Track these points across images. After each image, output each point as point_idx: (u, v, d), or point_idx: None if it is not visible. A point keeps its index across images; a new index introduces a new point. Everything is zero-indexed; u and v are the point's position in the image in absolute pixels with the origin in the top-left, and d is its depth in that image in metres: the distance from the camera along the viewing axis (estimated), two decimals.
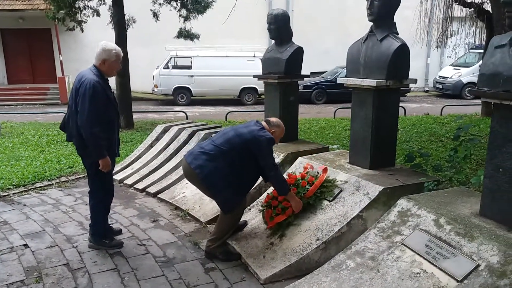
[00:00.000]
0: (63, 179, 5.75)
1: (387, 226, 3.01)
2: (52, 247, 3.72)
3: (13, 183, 5.40)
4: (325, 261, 3.09)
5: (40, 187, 5.39)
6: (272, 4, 16.64)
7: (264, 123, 3.53)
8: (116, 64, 3.49)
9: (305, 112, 12.88)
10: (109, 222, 4.00)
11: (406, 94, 16.76)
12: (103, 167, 3.43)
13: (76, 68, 16.16)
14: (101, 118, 3.35)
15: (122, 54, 3.55)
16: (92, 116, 3.28)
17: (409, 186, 3.50)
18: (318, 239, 3.24)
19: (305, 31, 17.39)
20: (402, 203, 3.09)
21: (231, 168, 3.29)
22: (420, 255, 2.65)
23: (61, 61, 15.83)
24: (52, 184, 5.54)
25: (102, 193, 3.66)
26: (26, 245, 3.77)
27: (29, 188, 5.38)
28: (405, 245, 2.78)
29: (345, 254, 2.97)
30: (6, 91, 16.00)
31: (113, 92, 3.68)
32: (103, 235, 3.71)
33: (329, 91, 15.38)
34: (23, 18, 16.14)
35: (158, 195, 5.03)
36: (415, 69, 17.02)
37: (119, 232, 4.01)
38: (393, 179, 3.60)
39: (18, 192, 5.18)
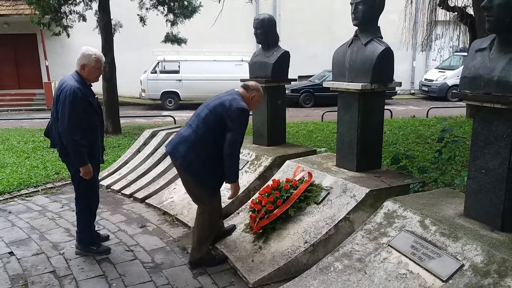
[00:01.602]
0: (49, 185, 5.69)
1: (374, 228, 3.05)
2: (38, 254, 3.67)
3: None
4: (313, 263, 3.12)
5: (26, 193, 5.32)
6: (259, 9, 16.72)
7: (241, 89, 3.37)
8: (96, 69, 3.46)
9: (293, 115, 12.94)
10: (96, 228, 3.97)
11: (392, 97, 16.98)
12: (84, 174, 3.40)
13: (63, 73, 15.91)
14: (82, 125, 3.32)
15: (103, 59, 3.52)
16: (72, 123, 3.26)
17: (395, 188, 3.55)
18: (306, 242, 3.26)
19: (292, 35, 17.52)
20: (388, 205, 3.13)
21: (210, 151, 3.16)
22: (406, 256, 2.69)
23: (47, 67, 15.67)
24: (38, 191, 5.47)
25: (88, 200, 3.62)
26: (11, 253, 3.71)
27: (15, 195, 5.30)
28: (391, 247, 2.82)
29: (332, 256, 3.00)
30: None
31: (97, 97, 3.64)
32: (90, 242, 3.68)
33: (317, 95, 15.51)
34: (8, 23, 15.94)
35: (146, 200, 5.00)
36: (401, 72, 17.28)
37: (107, 238, 3.98)
38: (379, 181, 3.64)
39: (3, 200, 5.11)
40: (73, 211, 4.69)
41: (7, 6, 15.07)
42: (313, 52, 17.93)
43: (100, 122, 3.61)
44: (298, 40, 17.68)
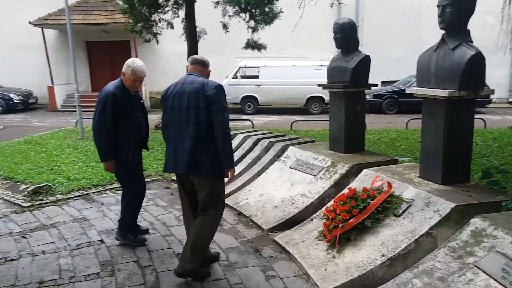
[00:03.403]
0: None
1: (459, 245, 2.83)
2: (124, 244, 3.97)
3: (93, 183, 5.87)
4: (389, 278, 2.98)
5: (116, 187, 5.77)
6: (341, 13, 16.44)
7: (197, 67, 3.25)
8: (131, 80, 3.74)
9: (375, 122, 12.51)
10: (178, 224, 4.20)
11: (486, 106, 15.56)
12: (106, 169, 3.81)
13: (153, 78, 17.09)
14: (109, 126, 3.64)
15: (140, 73, 3.74)
16: (99, 123, 3.64)
17: (485, 204, 3.26)
18: (383, 255, 3.13)
19: (376, 39, 16.97)
20: (476, 222, 2.89)
21: (211, 142, 3.12)
22: (496, 280, 2.46)
23: None
24: None
25: (130, 192, 3.92)
26: (102, 241, 4.07)
27: (107, 188, 5.80)
28: (478, 268, 2.60)
29: (411, 272, 2.84)
30: (90, 98, 17.35)
31: (142, 101, 4.01)
32: (128, 230, 3.96)
33: (401, 101, 14.78)
34: (106, 31, 17.50)
35: None
36: (497, 78, 15.84)
37: (146, 231, 4.24)
38: (467, 196, 3.37)
39: (97, 192, 5.61)
40: (157, 205, 5.06)
41: (105, 15, 16.58)
42: (397, 57, 17.16)
43: (133, 126, 3.80)
44: (381, 44, 17.08)
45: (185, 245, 3.32)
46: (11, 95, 16.46)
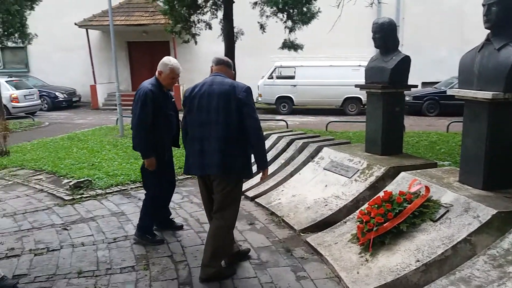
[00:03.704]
0: None
1: (500, 254, 2.71)
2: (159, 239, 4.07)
3: (131, 179, 6.05)
4: (424, 284, 2.89)
5: None
6: (381, 13, 16.06)
7: (222, 68, 3.25)
8: (170, 78, 3.81)
9: (414, 124, 12.16)
10: (204, 222, 4.25)
11: None
12: (148, 166, 3.80)
13: (190, 78, 17.41)
14: (148, 123, 3.70)
15: (178, 71, 3.83)
16: (139, 120, 3.69)
17: None
18: (418, 261, 3.04)
19: (417, 39, 16.49)
20: None
21: (242, 147, 3.18)
22: None
23: None
24: None
25: (150, 191, 3.98)
26: None
27: None
28: None
29: (448, 279, 2.74)
30: (130, 96, 17.80)
31: (173, 100, 4.07)
32: (146, 230, 3.99)
33: (443, 103, 14.23)
34: (146, 32, 18.00)
35: (255, 200, 5.19)
36: None
37: (181, 227, 4.28)
38: (510, 203, 3.21)
39: (135, 187, 5.78)
40: (192, 203, 5.15)
41: (146, 16, 17.05)
42: (439, 57, 16.60)
43: (167, 124, 3.89)
44: (422, 44, 16.57)
45: (204, 252, 3.29)
46: (56, 93, 17.28)
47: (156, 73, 3.84)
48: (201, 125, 3.15)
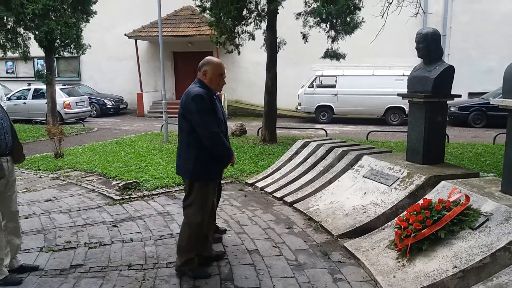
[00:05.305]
0: None
1: None
2: None
3: (175, 182, 6.34)
4: None
5: None
6: (427, 22, 15.71)
7: (198, 74, 3.39)
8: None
9: (459, 135, 11.82)
10: (251, 224, 4.39)
11: None
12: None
13: (232, 87, 17.88)
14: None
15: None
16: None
17: None
18: (455, 267, 3.05)
19: (465, 48, 16.03)
20: None
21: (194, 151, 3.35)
22: None
23: None
24: None
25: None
26: None
27: None
28: None
29: (484, 285, 2.74)
30: (174, 105, 18.58)
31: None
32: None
33: (490, 114, 13.72)
34: (192, 43, 18.62)
35: (293, 205, 5.31)
36: None
37: (224, 231, 4.37)
38: None
39: (179, 190, 6.06)
40: (232, 205, 5.34)
41: (192, 28, 17.68)
42: (488, 67, 15.99)
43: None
44: (470, 53, 16.09)
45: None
46: (105, 100, 18.24)
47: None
48: (178, 130, 3.51)
